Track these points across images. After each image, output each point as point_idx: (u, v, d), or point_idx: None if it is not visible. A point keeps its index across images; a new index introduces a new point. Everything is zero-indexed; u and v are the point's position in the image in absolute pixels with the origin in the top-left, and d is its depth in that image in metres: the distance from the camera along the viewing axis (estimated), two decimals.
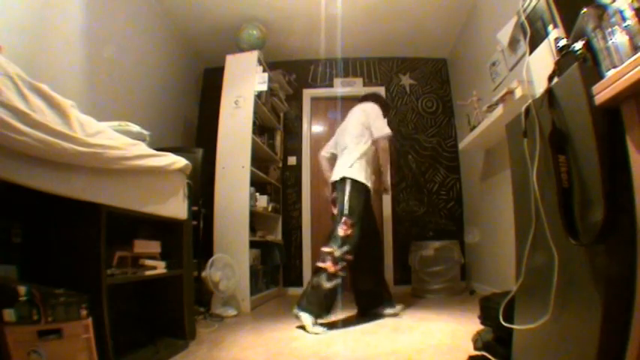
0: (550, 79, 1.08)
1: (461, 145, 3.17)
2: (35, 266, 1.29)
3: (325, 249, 2.21)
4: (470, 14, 3.27)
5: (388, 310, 2.41)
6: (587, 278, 0.87)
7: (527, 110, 1.14)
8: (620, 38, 0.86)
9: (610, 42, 0.89)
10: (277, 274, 3.65)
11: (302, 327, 2.08)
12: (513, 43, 2.39)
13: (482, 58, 3.01)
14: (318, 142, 4.04)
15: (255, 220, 3.29)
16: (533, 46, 1.51)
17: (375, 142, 2.49)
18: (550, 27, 1.37)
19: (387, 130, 2.48)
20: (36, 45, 1.90)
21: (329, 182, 2.54)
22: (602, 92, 0.82)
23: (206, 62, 4.10)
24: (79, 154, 1.12)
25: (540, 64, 1.36)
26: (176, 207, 1.77)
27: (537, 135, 1.07)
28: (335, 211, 2.35)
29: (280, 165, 3.90)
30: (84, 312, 1.14)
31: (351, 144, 2.48)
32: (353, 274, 2.42)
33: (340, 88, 4.04)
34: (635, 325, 0.76)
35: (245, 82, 3.11)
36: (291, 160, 3.99)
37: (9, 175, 0.95)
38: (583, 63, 0.94)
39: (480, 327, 1.47)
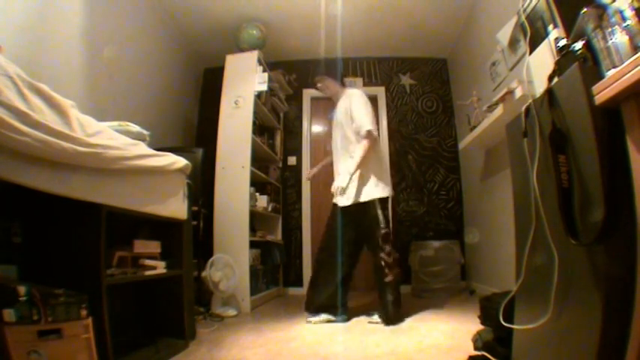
0: (550, 79, 1.08)
1: (461, 145, 3.17)
2: (35, 266, 1.29)
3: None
4: (470, 14, 3.27)
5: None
6: (587, 278, 0.87)
7: (527, 110, 1.14)
8: (620, 38, 0.86)
9: (610, 42, 0.89)
10: (277, 274, 3.65)
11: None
12: (513, 43, 2.39)
13: (482, 58, 3.01)
14: (318, 142, 4.05)
15: (255, 220, 3.30)
16: (533, 46, 1.52)
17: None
18: (550, 27, 1.37)
19: (367, 126, 2.27)
20: (36, 45, 1.90)
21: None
22: (602, 92, 0.82)
23: (206, 62, 4.10)
24: (79, 154, 1.12)
25: (540, 64, 1.37)
26: (176, 207, 1.77)
27: (537, 135, 1.07)
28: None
29: (280, 165, 3.90)
30: (84, 312, 1.13)
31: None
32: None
33: None
34: (635, 325, 0.76)
35: (245, 82, 3.11)
36: (291, 160, 3.99)
37: (9, 175, 0.95)
38: (583, 63, 0.94)
39: (480, 327, 1.47)
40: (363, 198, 2.30)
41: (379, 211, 2.26)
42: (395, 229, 3.76)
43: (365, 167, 2.32)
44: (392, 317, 2.19)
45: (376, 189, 2.31)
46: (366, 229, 2.31)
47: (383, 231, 2.24)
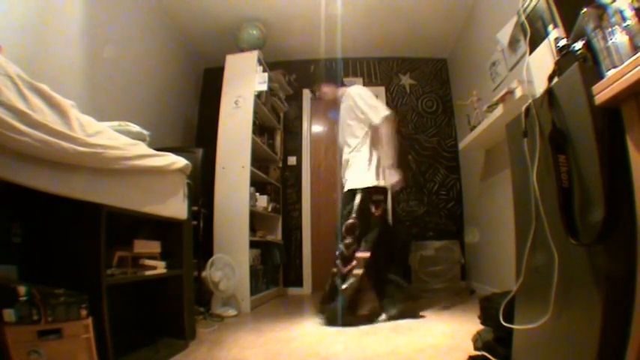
0: (550, 79, 1.08)
1: (461, 145, 3.17)
2: (35, 266, 1.29)
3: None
4: (470, 14, 3.27)
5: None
6: (587, 278, 0.87)
7: (527, 110, 1.14)
8: (620, 38, 0.86)
9: (610, 42, 0.89)
10: (277, 274, 3.65)
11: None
12: (513, 43, 2.39)
13: (482, 58, 3.01)
14: (318, 142, 4.05)
15: (255, 220, 3.29)
16: (533, 46, 1.52)
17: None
18: (550, 27, 1.37)
19: (376, 118, 2.36)
20: (36, 45, 1.90)
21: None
22: (602, 92, 0.82)
23: (206, 62, 4.10)
24: (79, 154, 1.12)
25: (540, 64, 1.36)
26: (176, 207, 1.77)
27: (537, 135, 1.07)
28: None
29: (280, 165, 3.90)
30: (84, 312, 1.13)
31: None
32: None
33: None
34: (635, 325, 0.76)
35: (245, 82, 3.11)
36: (291, 160, 3.99)
37: (9, 175, 0.95)
38: (583, 63, 0.94)
39: (480, 327, 1.47)
40: (348, 186, 2.36)
41: (356, 201, 2.28)
42: (395, 229, 3.77)
43: (357, 154, 2.39)
44: (330, 317, 2.20)
45: (361, 179, 2.32)
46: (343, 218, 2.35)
47: (349, 221, 2.26)
